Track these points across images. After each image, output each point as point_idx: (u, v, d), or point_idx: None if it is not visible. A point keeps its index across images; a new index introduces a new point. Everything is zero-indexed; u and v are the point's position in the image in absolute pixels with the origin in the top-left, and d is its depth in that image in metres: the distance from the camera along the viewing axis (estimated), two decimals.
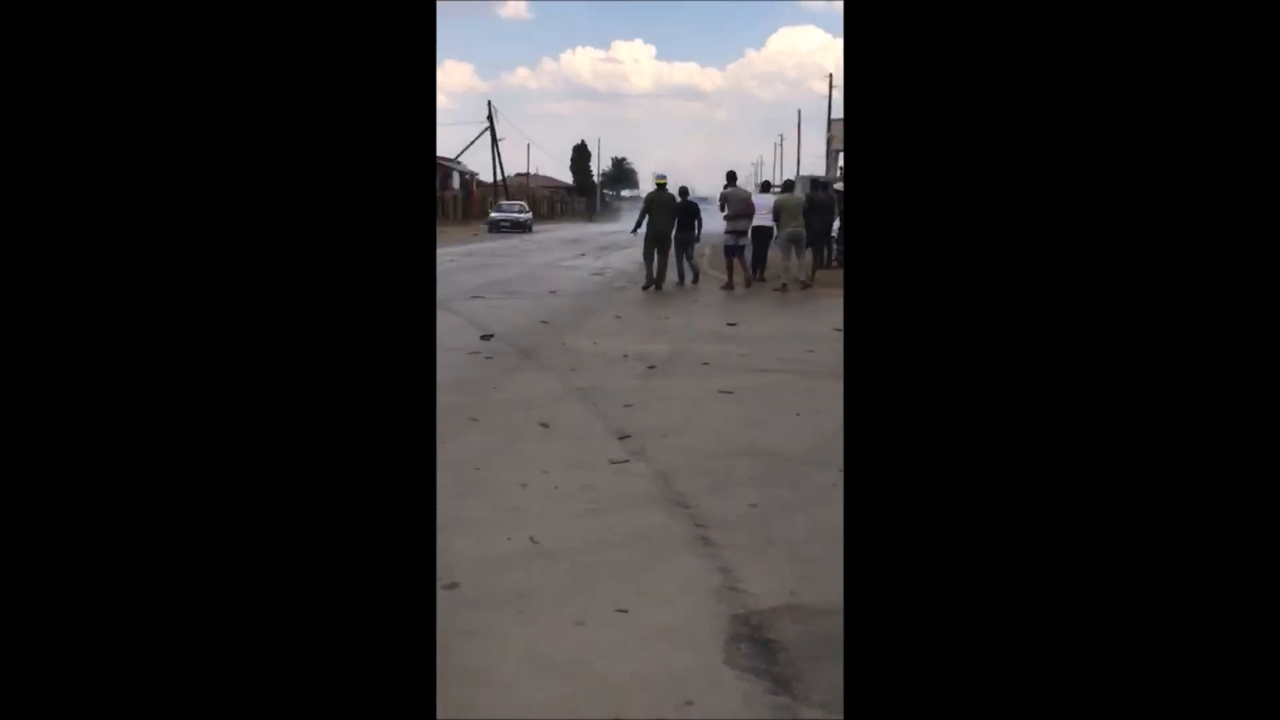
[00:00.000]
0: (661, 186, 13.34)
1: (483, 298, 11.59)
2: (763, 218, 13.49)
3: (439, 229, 33.18)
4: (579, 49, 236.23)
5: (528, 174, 64.34)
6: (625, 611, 2.81)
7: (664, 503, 3.81)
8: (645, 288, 12.80)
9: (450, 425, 5.06)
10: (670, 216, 12.94)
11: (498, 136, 46.10)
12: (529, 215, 36.92)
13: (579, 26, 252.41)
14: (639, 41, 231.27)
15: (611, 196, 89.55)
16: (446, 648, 2.59)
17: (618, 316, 10.14)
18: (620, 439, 4.89)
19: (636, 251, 14.55)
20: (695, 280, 13.45)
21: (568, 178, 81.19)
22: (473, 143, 48.24)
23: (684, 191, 13.80)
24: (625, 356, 7.40)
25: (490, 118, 46.25)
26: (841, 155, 51.94)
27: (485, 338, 8.23)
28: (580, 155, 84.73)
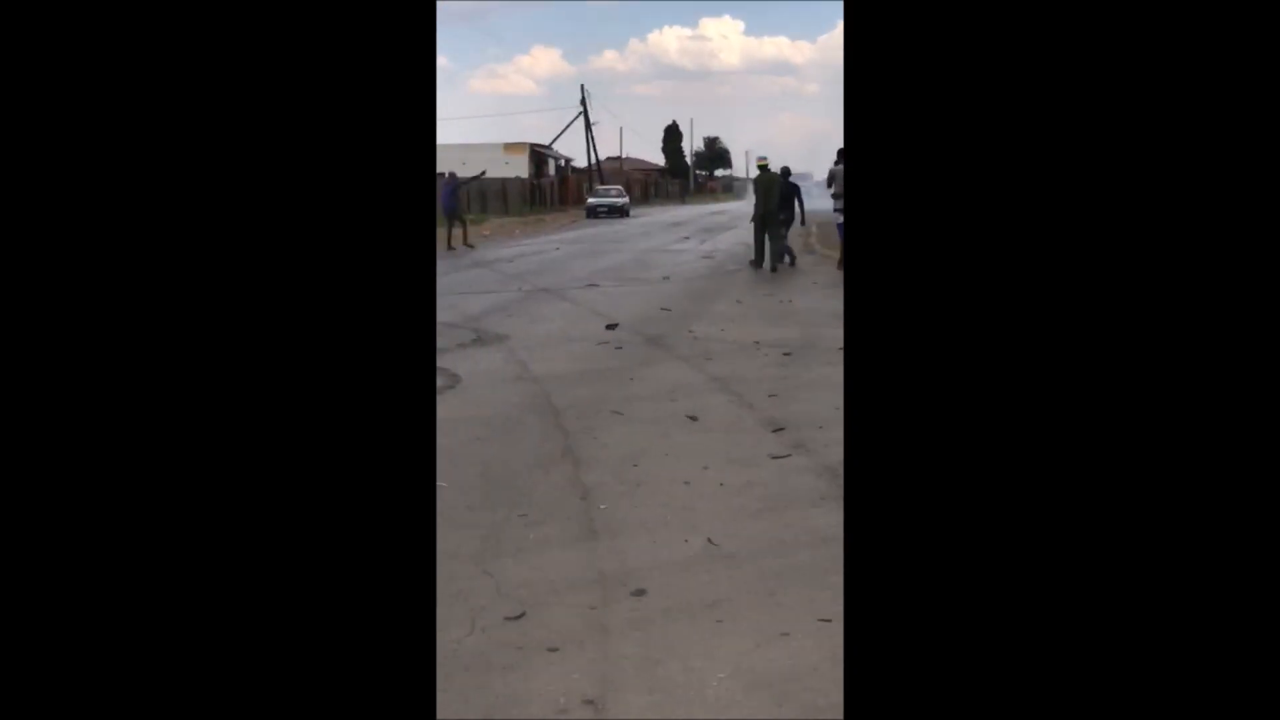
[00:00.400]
0: (763, 168, 13.48)
1: (598, 285, 11.55)
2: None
3: (539, 217, 33.41)
4: (666, 28, 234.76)
5: (621, 158, 64.35)
6: (829, 621, 2.67)
7: (838, 500, 3.66)
8: (752, 263, 13.19)
9: (596, 419, 5.01)
10: (773, 196, 12.99)
11: (591, 121, 46.15)
12: (626, 199, 36.85)
13: (666, 6, 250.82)
14: (727, 17, 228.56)
15: (704, 177, 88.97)
16: (650, 660, 2.53)
17: (739, 301, 9.98)
18: (774, 431, 4.75)
19: (741, 233, 14.30)
20: (790, 261, 13.36)
21: (659, 159, 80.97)
22: (566, 128, 48.40)
23: (785, 172, 13.97)
24: (757, 344, 7.24)
25: (584, 101, 46.33)
26: None
27: (610, 327, 8.17)
28: (672, 136, 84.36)
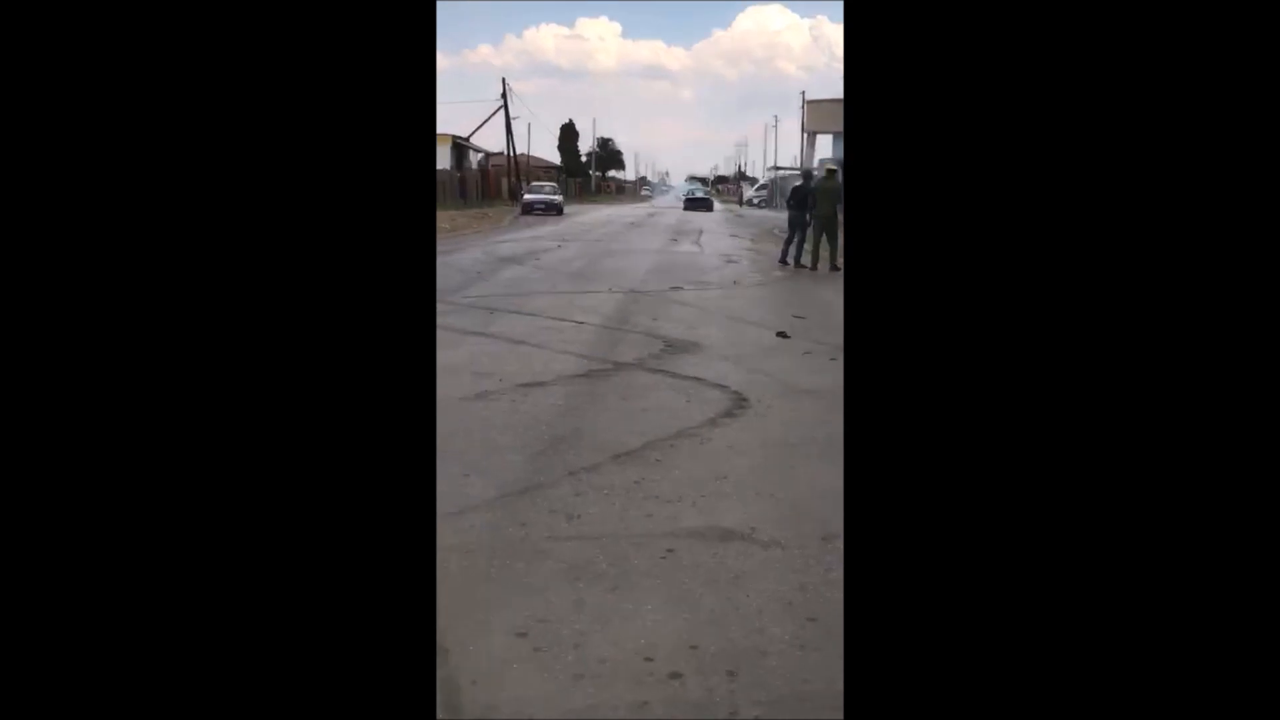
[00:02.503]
0: (832, 173, 14.22)
1: (681, 288, 11.25)
2: None
3: (481, 211, 32.61)
4: (543, 25, 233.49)
5: (528, 155, 63.56)
6: None
7: None
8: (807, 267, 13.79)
9: None
10: (833, 203, 13.46)
11: (511, 116, 45.37)
12: (560, 198, 36.44)
13: (543, 4, 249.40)
14: (604, 19, 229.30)
15: (599, 178, 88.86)
16: None
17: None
18: None
19: (718, 237, 14.16)
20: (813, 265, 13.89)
21: (554, 157, 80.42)
22: (486, 121, 47.49)
23: (808, 175, 15.49)
24: None
25: (505, 95, 45.49)
26: (816, 138, 53.09)
27: (781, 335, 7.94)
28: (568, 135, 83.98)
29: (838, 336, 7.78)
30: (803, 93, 54.11)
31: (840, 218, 13.32)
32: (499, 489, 3.73)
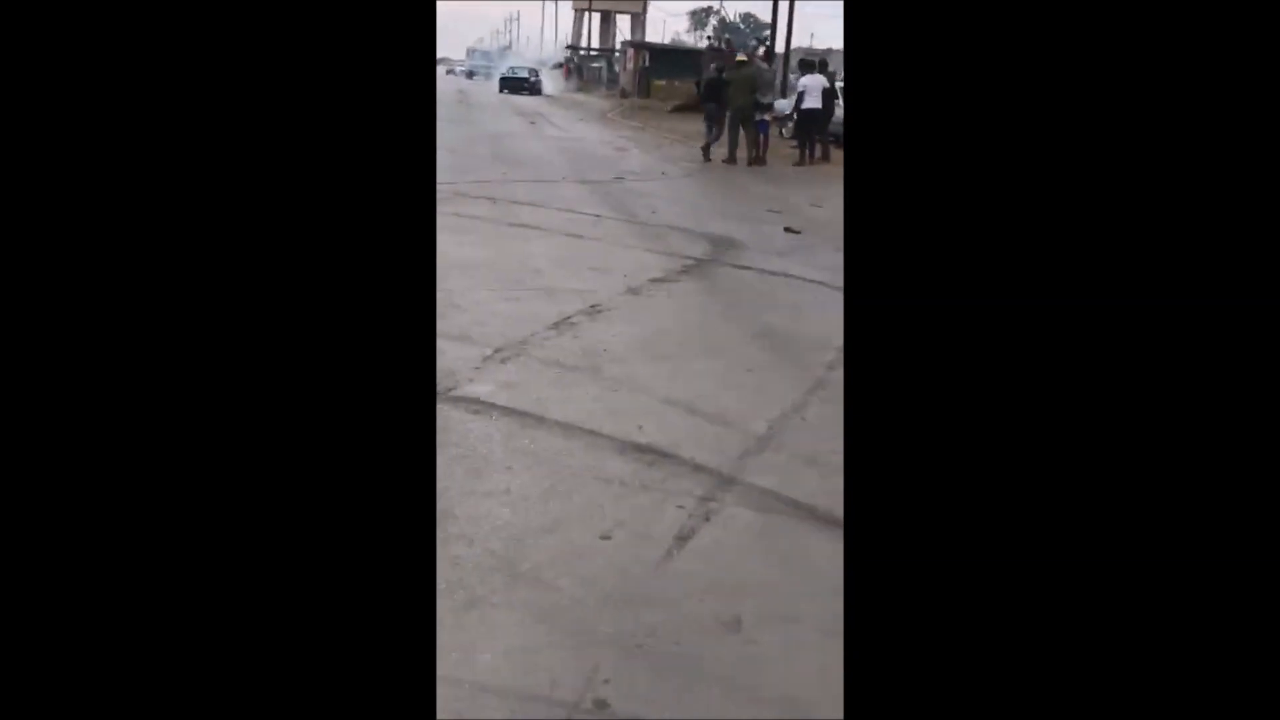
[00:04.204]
0: (743, 64, 14.31)
1: (623, 179, 11.42)
2: (812, 99, 13.98)
3: None
4: None
5: None
6: None
7: None
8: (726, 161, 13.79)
9: None
10: (750, 92, 13.68)
11: None
12: None
13: None
14: None
15: None
16: None
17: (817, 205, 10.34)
18: None
19: (568, 120, 13.87)
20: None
21: None
22: None
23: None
24: None
25: None
26: (615, 18, 51.35)
27: (790, 230, 8.39)
28: None
29: (825, 230, 8.35)
30: None
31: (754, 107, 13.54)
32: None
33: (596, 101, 34.52)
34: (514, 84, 38.26)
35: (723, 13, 65.71)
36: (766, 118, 14.08)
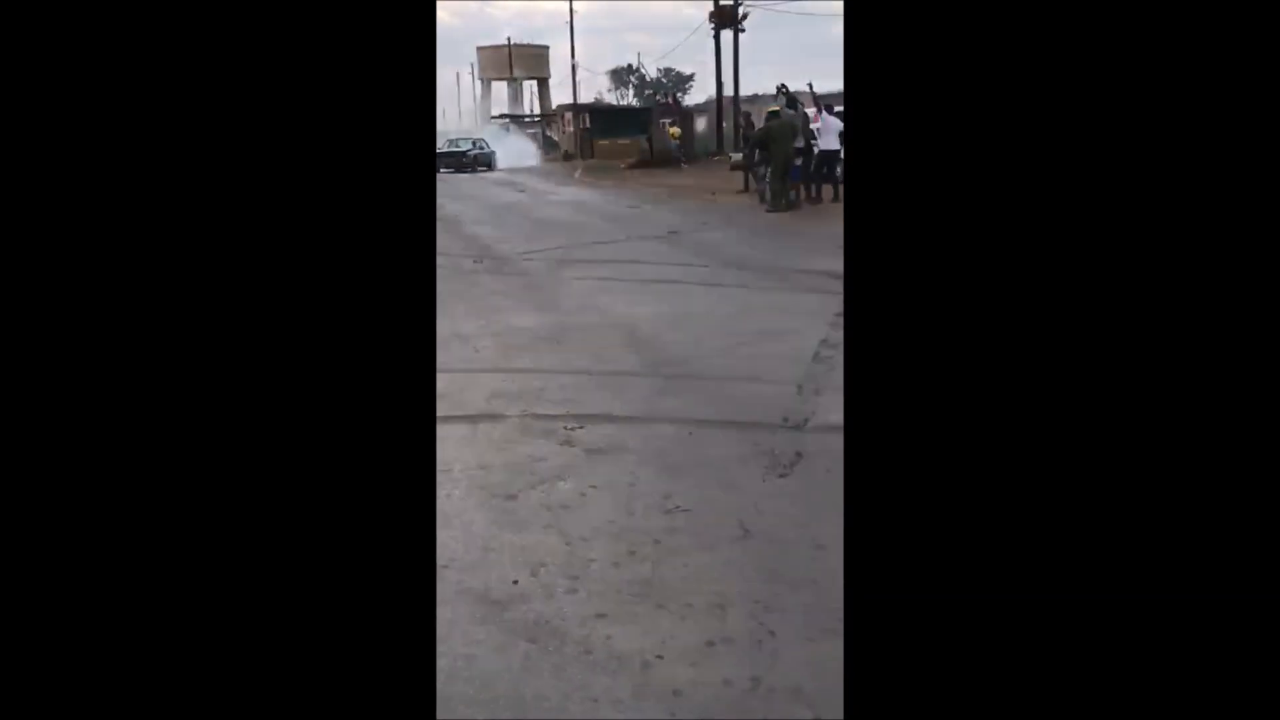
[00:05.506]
0: (775, 114, 14.74)
1: (680, 231, 11.74)
2: (828, 139, 14.51)
3: None
4: None
5: None
6: None
7: None
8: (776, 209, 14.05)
9: None
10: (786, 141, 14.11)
11: None
12: None
13: None
14: None
15: None
16: None
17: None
18: None
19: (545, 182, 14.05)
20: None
21: None
22: None
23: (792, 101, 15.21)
24: None
25: None
26: (491, 85, 52.92)
27: None
28: None
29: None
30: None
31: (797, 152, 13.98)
32: None
33: (547, 165, 34.87)
34: (455, 161, 29.75)
35: (642, 70, 67.35)
36: (797, 161, 14.51)
